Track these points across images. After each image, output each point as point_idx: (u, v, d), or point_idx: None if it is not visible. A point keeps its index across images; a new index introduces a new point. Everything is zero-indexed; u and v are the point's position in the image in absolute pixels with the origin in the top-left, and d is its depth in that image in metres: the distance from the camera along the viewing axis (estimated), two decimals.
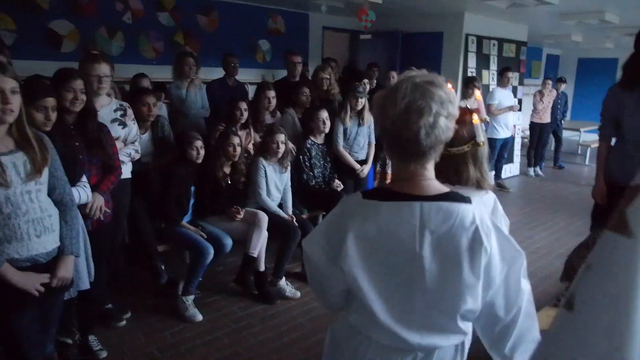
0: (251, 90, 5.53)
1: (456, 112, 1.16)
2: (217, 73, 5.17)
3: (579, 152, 10.33)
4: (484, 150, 1.54)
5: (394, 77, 5.60)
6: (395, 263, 1.15)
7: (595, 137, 10.39)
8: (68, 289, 2.01)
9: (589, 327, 0.81)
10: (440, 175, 1.48)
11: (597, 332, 0.80)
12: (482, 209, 1.16)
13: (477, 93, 2.09)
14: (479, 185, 1.52)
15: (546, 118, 7.91)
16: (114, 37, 5.30)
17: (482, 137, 1.52)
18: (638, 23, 6.75)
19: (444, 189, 1.18)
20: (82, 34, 5.07)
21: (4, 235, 1.70)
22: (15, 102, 1.71)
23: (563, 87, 8.40)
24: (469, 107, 3.08)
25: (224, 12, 6.13)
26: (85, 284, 2.28)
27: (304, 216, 3.93)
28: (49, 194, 1.88)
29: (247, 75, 6.06)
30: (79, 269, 2.17)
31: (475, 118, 1.54)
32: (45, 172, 1.84)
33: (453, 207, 1.12)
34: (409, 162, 1.16)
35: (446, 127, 1.13)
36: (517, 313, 1.18)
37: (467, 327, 1.21)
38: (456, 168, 1.51)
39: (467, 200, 1.15)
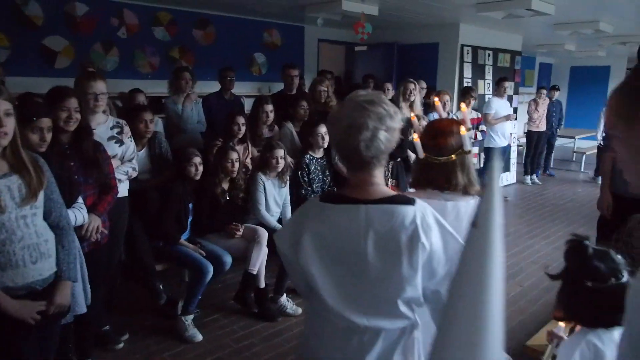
0: (247, 103, 5.52)
1: (397, 126, 1.30)
2: (213, 86, 5.14)
3: (574, 159, 10.36)
4: (471, 157, 1.67)
5: (389, 89, 5.58)
6: (344, 257, 1.30)
7: (589, 144, 10.46)
8: (65, 315, 1.94)
9: (456, 312, 0.95)
10: (431, 182, 1.66)
11: (461, 316, 0.93)
12: (425, 210, 1.29)
13: (462, 105, 2.21)
14: (466, 191, 1.63)
15: (542, 126, 7.96)
16: (109, 53, 5.27)
17: (469, 146, 1.63)
18: (631, 32, 6.81)
19: (389, 193, 1.33)
20: (76, 50, 5.03)
21: None
22: (10, 124, 1.66)
23: (557, 94, 8.44)
24: (457, 117, 3.02)
25: (219, 26, 6.12)
26: (82, 308, 2.22)
27: None
28: (45, 218, 1.82)
29: (242, 89, 6.04)
30: (76, 293, 2.11)
31: (462, 129, 1.63)
32: (41, 196, 1.78)
33: (395, 208, 1.27)
34: (356, 171, 1.32)
35: (387, 139, 1.28)
36: None
37: (413, 312, 1.32)
38: (446, 175, 1.63)
39: (410, 202, 1.28)
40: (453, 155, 1.61)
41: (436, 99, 2.30)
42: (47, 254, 1.78)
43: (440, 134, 1.64)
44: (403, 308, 1.29)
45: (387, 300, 1.29)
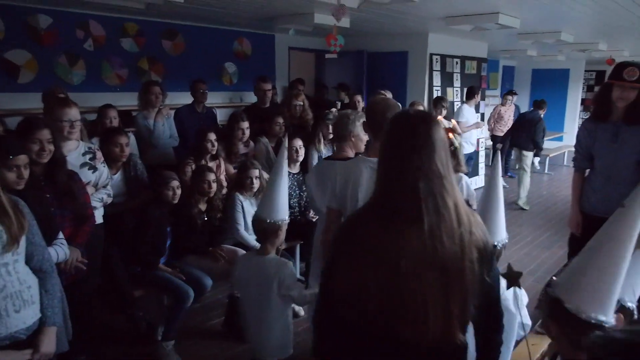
0: (219, 114, 5.47)
1: (354, 127, 2.56)
2: (183, 97, 5.07)
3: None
4: (459, 150, 2.66)
5: (360, 101, 5.65)
6: (327, 186, 2.39)
7: (553, 145, 10.75)
8: None
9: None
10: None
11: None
12: (366, 163, 2.20)
13: (439, 117, 2.80)
14: (456, 170, 2.35)
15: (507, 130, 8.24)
16: (75, 65, 5.11)
17: (456, 144, 2.55)
18: (590, 40, 7.10)
19: (351, 155, 2.54)
20: (40, 63, 4.86)
21: None
22: None
23: (515, 99, 8.63)
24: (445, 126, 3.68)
25: (188, 36, 6.03)
26: (64, 346, 2.14)
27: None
28: (27, 262, 1.77)
29: (214, 99, 5.97)
30: (59, 334, 2.05)
31: (450, 135, 2.44)
32: (23, 241, 1.73)
33: (349, 162, 2.35)
34: (337, 143, 2.72)
35: (356, 133, 2.57)
36: None
37: None
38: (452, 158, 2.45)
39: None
40: (451, 148, 2.33)
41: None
42: (30, 300, 1.73)
43: None
44: None
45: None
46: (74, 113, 2.67)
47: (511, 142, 7.50)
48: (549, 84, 12.31)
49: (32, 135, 2.26)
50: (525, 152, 6.95)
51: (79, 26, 5.10)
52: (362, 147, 2.56)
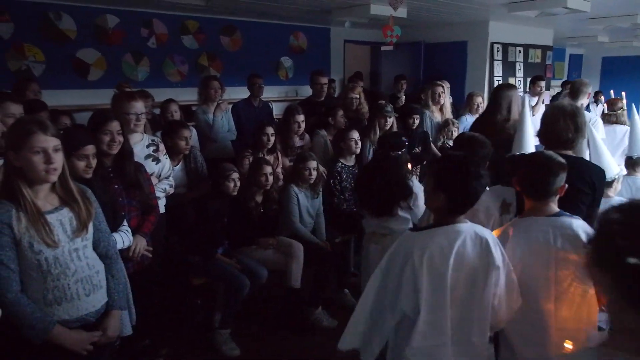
0: (275, 108, 5.53)
1: None
2: (241, 92, 5.16)
3: None
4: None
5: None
6: None
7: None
8: (115, 343, 1.98)
9: None
10: None
11: None
12: None
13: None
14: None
15: None
16: (140, 63, 5.34)
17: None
18: None
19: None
20: (108, 61, 5.11)
21: (54, 297, 1.68)
22: (59, 160, 1.69)
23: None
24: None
25: (246, 32, 6.14)
26: (128, 330, 2.24)
27: (337, 241, 3.86)
28: (94, 248, 1.85)
29: (270, 93, 6.04)
30: (123, 318, 2.14)
31: None
32: (91, 227, 1.81)
33: None
34: None
35: None
36: None
37: None
38: None
39: None
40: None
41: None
42: (98, 285, 1.81)
43: None
44: None
45: None
46: (139, 106, 2.78)
47: None
48: (621, 72, 11.49)
49: (103, 127, 2.37)
50: None
51: (144, 25, 5.31)
52: None
